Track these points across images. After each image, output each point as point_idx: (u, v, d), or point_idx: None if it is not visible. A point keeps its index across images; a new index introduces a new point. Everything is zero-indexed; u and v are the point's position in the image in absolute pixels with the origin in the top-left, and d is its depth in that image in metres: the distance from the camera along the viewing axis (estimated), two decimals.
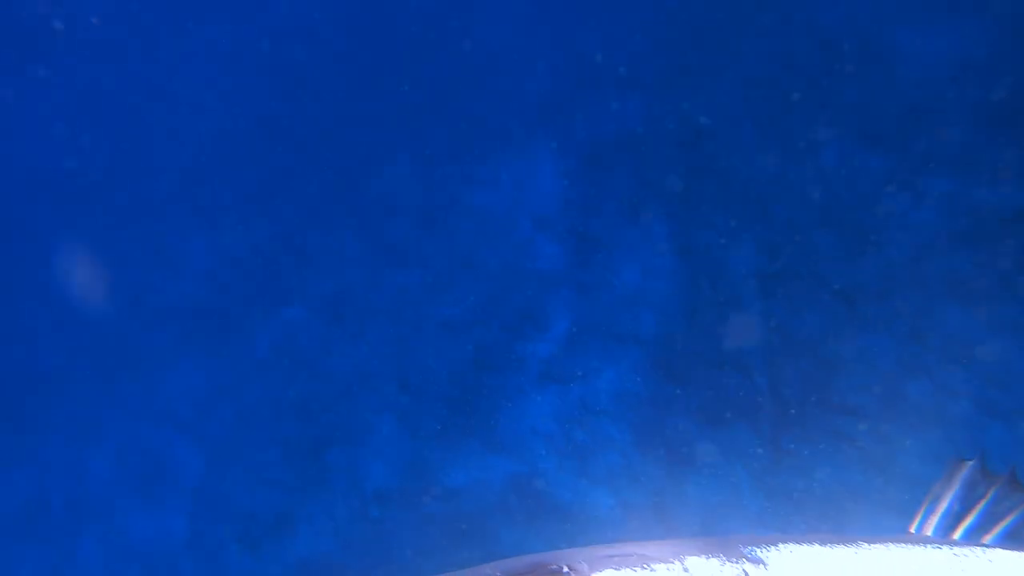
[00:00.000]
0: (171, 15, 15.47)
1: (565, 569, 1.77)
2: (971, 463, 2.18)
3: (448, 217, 10.71)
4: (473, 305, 10.50)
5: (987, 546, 2.03)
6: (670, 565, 1.81)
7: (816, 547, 1.96)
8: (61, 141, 15.38)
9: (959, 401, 9.04)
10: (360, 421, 10.49)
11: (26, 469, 12.58)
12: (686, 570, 1.79)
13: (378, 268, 10.88)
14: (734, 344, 10.56)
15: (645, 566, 1.80)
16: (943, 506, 2.13)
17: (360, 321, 10.80)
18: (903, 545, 1.99)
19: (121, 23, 15.78)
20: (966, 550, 1.98)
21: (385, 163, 11.84)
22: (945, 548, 1.99)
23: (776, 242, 10.59)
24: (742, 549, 1.91)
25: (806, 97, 10.36)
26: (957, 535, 2.09)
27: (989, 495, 2.09)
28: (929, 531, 2.16)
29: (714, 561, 1.82)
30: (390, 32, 13.45)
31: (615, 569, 1.79)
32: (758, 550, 1.91)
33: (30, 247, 14.60)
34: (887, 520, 9.00)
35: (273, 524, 10.46)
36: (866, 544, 1.98)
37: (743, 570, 1.81)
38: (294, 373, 11.08)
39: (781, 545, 1.97)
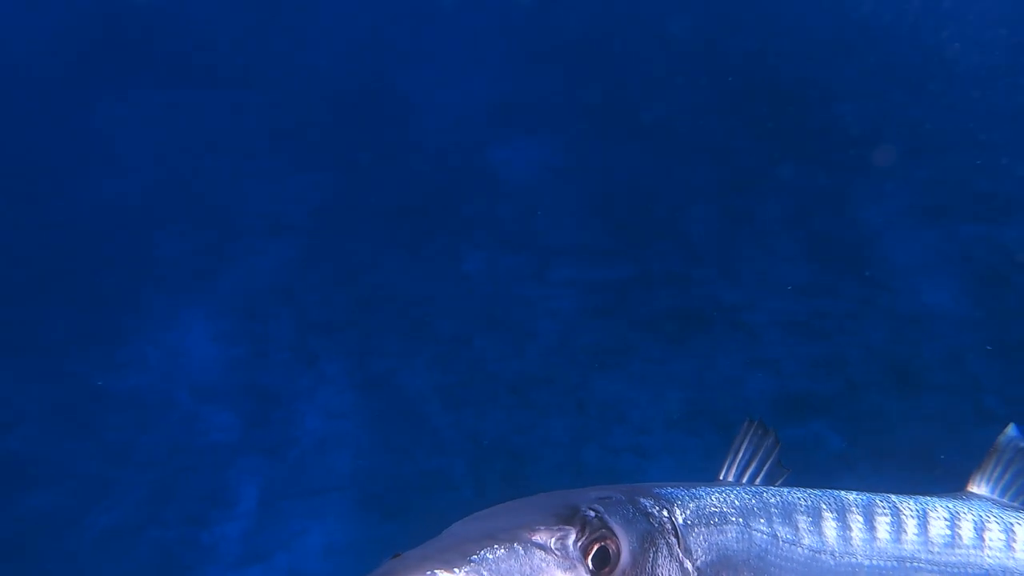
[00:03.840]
0: None
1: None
2: (756, 423, 2.54)
3: (89, 416, 9.03)
4: (137, 504, 8.77)
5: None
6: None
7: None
8: None
9: (623, 456, 9.04)
10: None
11: None
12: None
13: None
14: (435, 463, 9.73)
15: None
16: (739, 457, 2.52)
17: None
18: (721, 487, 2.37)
19: None
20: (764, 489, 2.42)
21: None
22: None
23: (446, 354, 9.86)
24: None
25: (443, 218, 10.14)
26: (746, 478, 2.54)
27: (764, 445, 2.53)
28: (731, 477, 2.52)
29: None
30: None
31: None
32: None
33: None
34: None
35: None
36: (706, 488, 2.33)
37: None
38: None
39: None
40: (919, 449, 8.02)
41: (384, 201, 10.59)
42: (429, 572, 1.77)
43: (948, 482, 8.00)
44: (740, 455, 2.53)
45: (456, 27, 13.01)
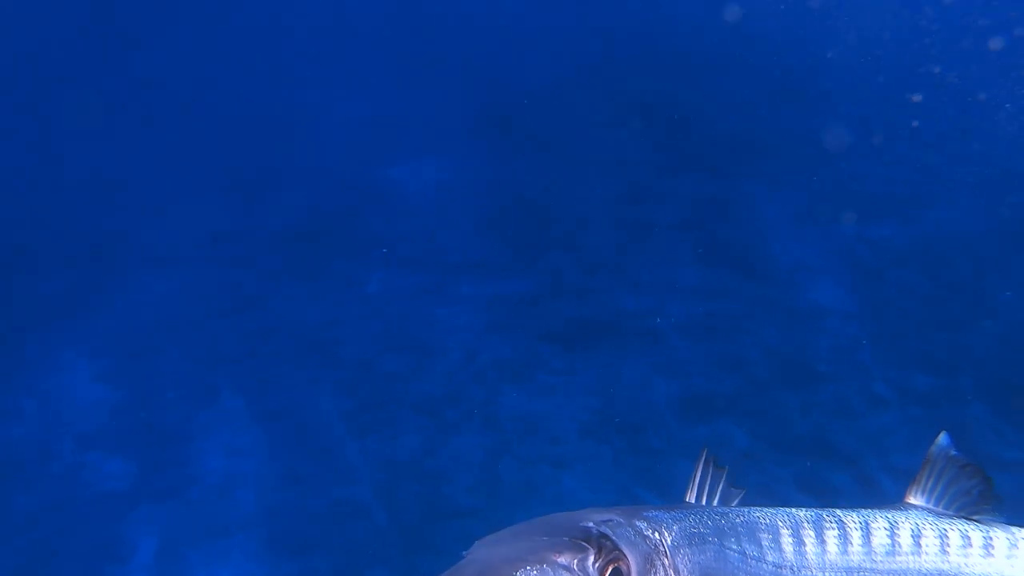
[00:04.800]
0: None
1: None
2: (706, 450, 2.74)
3: None
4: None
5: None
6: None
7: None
8: None
9: (538, 467, 8.97)
10: None
11: None
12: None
13: None
14: (345, 492, 9.35)
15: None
16: (697, 480, 2.71)
17: None
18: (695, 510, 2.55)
19: None
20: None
21: None
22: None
23: (351, 380, 9.55)
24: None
25: (341, 240, 9.84)
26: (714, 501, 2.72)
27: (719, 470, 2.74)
28: (692, 498, 2.70)
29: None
30: None
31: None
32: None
33: None
34: None
35: None
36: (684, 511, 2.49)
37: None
38: None
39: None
40: (818, 439, 8.40)
41: (276, 226, 10.17)
42: None
43: (846, 469, 8.30)
44: (699, 479, 2.74)
45: (346, 46, 12.72)
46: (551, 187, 10.43)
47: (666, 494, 9.01)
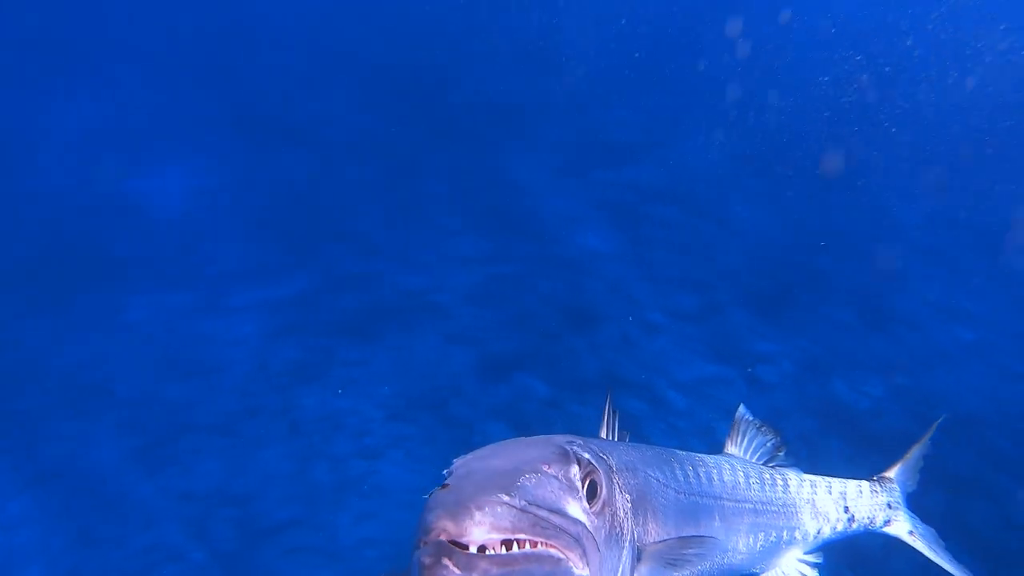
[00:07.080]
0: None
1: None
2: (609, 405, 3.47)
3: None
4: None
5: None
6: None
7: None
8: None
9: (351, 463, 9.10)
10: None
11: None
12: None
13: None
14: (150, 538, 8.81)
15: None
16: (606, 421, 3.42)
17: None
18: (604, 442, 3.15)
19: None
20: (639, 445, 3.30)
21: None
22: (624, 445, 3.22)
23: (133, 416, 8.92)
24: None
25: (90, 267, 9.10)
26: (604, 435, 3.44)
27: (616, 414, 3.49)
28: (605, 435, 3.41)
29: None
30: None
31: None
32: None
33: None
34: None
35: None
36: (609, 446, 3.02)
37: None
38: None
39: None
40: (609, 373, 9.20)
41: (2, 261, 9.07)
42: (494, 496, 2.20)
43: (639, 395, 9.21)
44: (607, 420, 3.44)
45: (61, 42, 11.37)
46: (313, 178, 10.28)
47: None
